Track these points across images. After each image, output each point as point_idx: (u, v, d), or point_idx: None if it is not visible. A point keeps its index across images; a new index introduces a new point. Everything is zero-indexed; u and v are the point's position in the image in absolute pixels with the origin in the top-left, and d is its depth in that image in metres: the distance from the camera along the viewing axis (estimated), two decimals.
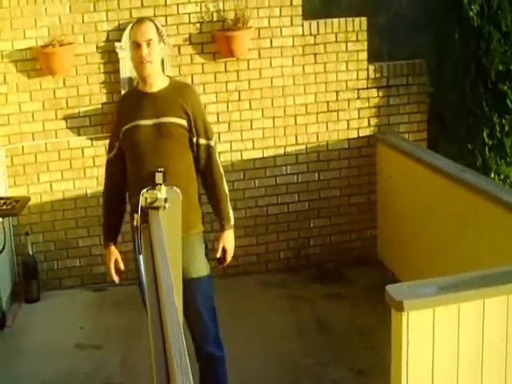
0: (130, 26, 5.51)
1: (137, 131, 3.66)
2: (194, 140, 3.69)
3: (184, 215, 3.55)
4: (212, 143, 3.75)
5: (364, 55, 6.03)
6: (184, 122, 3.66)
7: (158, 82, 3.71)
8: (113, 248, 3.78)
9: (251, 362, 3.93)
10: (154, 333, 1.87)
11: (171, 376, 1.62)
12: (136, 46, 3.64)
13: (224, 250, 3.77)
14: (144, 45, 3.60)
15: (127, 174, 3.75)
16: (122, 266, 3.75)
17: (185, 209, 3.54)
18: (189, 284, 3.58)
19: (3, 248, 5.22)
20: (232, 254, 3.81)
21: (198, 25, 5.74)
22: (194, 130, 3.68)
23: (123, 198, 3.76)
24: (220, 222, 3.81)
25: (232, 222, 3.82)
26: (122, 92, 5.62)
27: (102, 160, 5.71)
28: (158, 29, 3.73)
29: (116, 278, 3.76)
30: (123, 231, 5.69)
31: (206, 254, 3.77)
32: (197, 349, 3.72)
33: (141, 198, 2.70)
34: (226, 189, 3.81)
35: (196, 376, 3.83)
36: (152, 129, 3.64)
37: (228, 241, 3.78)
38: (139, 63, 3.65)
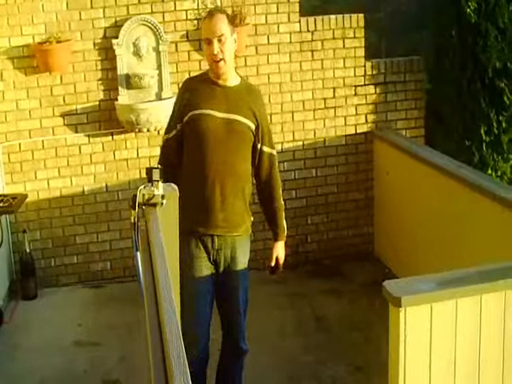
0: (126, 23, 5.56)
1: (206, 119, 3.56)
2: (259, 146, 3.67)
3: (237, 215, 3.68)
4: (274, 153, 3.75)
5: (361, 52, 6.03)
6: (252, 126, 3.61)
7: (231, 77, 3.62)
8: None
9: (250, 358, 3.93)
10: (151, 333, 1.87)
11: (169, 377, 1.61)
12: (207, 42, 3.53)
13: (277, 259, 3.86)
14: (215, 41, 3.49)
15: (185, 161, 3.66)
16: None
17: (239, 208, 3.68)
18: (231, 280, 3.73)
19: (0, 245, 5.22)
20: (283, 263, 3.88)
21: (196, 21, 5.73)
22: (260, 135, 3.65)
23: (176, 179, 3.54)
24: (275, 232, 3.87)
25: (286, 232, 3.88)
26: (120, 89, 5.62)
27: (99, 157, 5.75)
28: (230, 20, 3.59)
29: None
30: (122, 228, 5.75)
31: (248, 255, 3.82)
32: (230, 342, 3.81)
33: (138, 194, 2.70)
34: (282, 200, 3.85)
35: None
36: (222, 122, 3.57)
37: (281, 250, 3.86)
38: (212, 61, 3.55)
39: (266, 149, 3.70)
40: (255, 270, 5.97)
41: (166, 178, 3.38)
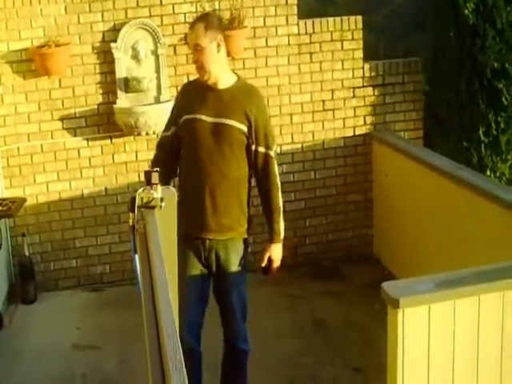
0: (125, 27, 5.57)
1: (196, 124, 3.63)
2: (253, 147, 3.65)
3: (232, 219, 3.70)
4: (271, 153, 3.70)
5: (359, 54, 6.04)
6: (244, 128, 3.61)
7: (222, 80, 3.65)
8: None
9: (249, 360, 3.94)
10: (149, 332, 1.88)
11: (166, 374, 1.63)
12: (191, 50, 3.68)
13: (270, 261, 3.82)
14: (194, 51, 3.61)
15: (180, 164, 3.77)
16: None
17: (234, 212, 3.70)
18: (224, 284, 3.77)
19: None
20: (278, 265, 3.86)
21: None
22: (253, 136, 3.63)
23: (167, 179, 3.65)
24: (269, 234, 3.83)
25: (282, 235, 3.83)
26: (118, 92, 5.63)
27: (98, 160, 5.76)
28: (210, 27, 3.59)
29: None
30: (121, 231, 5.75)
31: (244, 258, 3.81)
32: (228, 344, 3.85)
33: (137, 197, 2.70)
34: (280, 202, 3.80)
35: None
36: (211, 126, 3.60)
37: (275, 252, 3.82)
38: (195, 67, 3.66)
39: (260, 149, 3.67)
40: (254, 272, 6.01)
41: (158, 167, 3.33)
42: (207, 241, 3.69)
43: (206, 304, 3.82)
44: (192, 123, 3.64)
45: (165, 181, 3.30)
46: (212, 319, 3.89)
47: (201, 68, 3.60)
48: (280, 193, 3.80)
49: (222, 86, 3.65)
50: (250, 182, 3.76)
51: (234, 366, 3.92)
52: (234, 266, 3.75)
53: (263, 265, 3.82)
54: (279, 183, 3.79)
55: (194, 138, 3.65)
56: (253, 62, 5.89)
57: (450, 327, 3.07)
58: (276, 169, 3.76)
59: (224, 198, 3.66)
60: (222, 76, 3.65)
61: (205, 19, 3.67)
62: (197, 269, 3.74)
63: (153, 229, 2.53)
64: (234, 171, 3.66)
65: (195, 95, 3.69)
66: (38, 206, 5.74)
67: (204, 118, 3.61)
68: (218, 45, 3.61)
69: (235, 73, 3.79)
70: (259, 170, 3.72)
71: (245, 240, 3.81)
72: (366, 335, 4.90)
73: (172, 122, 3.79)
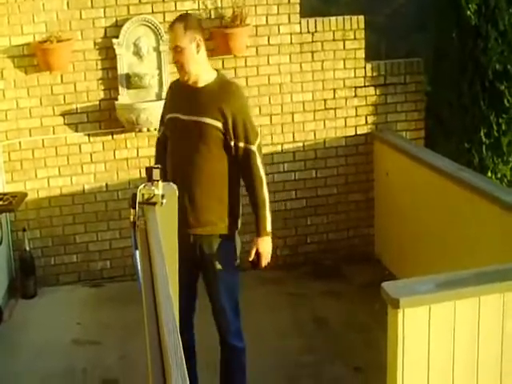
0: (127, 24, 5.57)
1: (176, 123, 3.75)
2: (232, 143, 3.67)
3: (212, 215, 3.73)
4: (252, 147, 3.70)
5: (361, 53, 6.04)
6: (219, 124, 3.64)
7: (202, 78, 3.71)
8: None
9: (249, 359, 3.93)
10: (149, 327, 1.88)
11: (167, 370, 1.63)
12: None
13: (258, 255, 3.80)
14: (173, 51, 3.70)
15: (167, 159, 3.85)
16: None
17: (214, 209, 3.73)
18: (210, 279, 3.83)
19: (0, 244, 5.23)
20: (268, 259, 3.85)
21: None
22: (231, 132, 3.65)
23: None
24: (256, 227, 3.82)
25: (268, 228, 3.81)
26: (120, 88, 5.63)
27: (100, 156, 5.76)
28: (189, 27, 3.64)
29: None
30: (121, 227, 5.75)
31: (230, 253, 3.82)
32: (222, 341, 3.89)
33: (138, 193, 2.70)
34: (266, 195, 3.77)
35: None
36: (186, 124, 3.69)
37: (262, 246, 3.80)
38: (176, 68, 3.76)
39: (240, 144, 3.68)
40: (254, 270, 6.00)
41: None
42: (191, 236, 3.74)
43: (195, 298, 3.91)
44: (173, 122, 3.77)
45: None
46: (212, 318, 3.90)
47: (181, 69, 3.68)
48: (264, 187, 3.76)
49: (201, 84, 3.71)
50: (235, 179, 3.76)
51: (229, 363, 3.92)
52: (219, 261, 3.77)
53: (250, 259, 3.82)
54: (263, 177, 3.75)
55: (173, 137, 3.79)
56: (255, 60, 5.89)
57: (450, 328, 3.07)
58: (259, 163, 3.73)
59: (203, 195, 3.70)
60: (202, 75, 3.71)
61: (184, 20, 3.70)
62: (185, 262, 3.63)
63: (153, 225, 2.53)
64: (213, 168, 3.70)
65: (178, 94, 3.81)
66: (39, 200, 5.74)
67: (181, 116, 3.72)
68: (198, 45, 3.66)
69: (216, 69, 3.84)
70: (241, 165, 3.73)
71: (230, 236, 3.81)
72: (366, 335, 4.90)
73: (160, 121, 3.94)
